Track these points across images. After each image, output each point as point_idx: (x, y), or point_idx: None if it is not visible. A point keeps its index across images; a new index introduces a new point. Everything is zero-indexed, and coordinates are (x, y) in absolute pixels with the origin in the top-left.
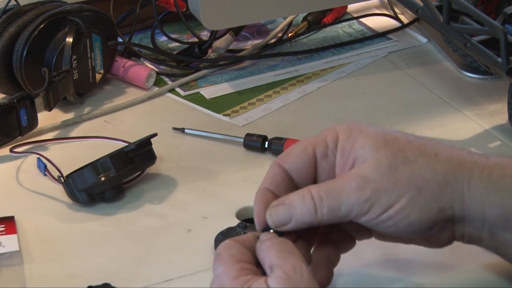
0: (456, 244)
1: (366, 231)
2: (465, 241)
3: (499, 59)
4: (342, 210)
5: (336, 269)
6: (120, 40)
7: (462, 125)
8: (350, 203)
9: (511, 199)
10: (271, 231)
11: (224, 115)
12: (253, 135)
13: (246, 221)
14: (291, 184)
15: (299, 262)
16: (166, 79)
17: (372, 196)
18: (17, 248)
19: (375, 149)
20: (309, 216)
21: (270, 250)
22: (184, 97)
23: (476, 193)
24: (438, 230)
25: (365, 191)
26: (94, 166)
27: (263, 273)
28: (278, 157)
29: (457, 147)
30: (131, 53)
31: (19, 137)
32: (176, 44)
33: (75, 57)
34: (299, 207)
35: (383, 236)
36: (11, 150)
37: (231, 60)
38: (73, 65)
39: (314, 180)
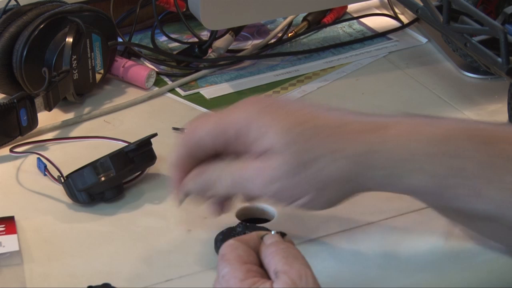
0: (456, 244)
1: None
2: None
3: (499, 59)
4: (251, 196)
5: (336, 269)
6: (120, 40)
7: None
8: (257, 194)
9: (407, 179)
10: (273, 232)
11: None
12: None
13: (246, 221)
14: (199, 160)
15: (304, 269)
16: (166, 79)
17: (276, 193)
18: (17, 248)
19: (279, 150)
20: (223, 195)
21: (275, 255)
22: (184, 97)
23: (378, 179)
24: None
25: (269, 188)
26: (94, 166)
27: (268, 276)
28: (187, 131)
29: (365, 130)
30: (131, 53)
31: (19, 137)
32: (176, 44)
33: (75, 57)
34: (214, 186)
35: None
36: (11, 150)
37: (231, 60)
38: (73, 65)
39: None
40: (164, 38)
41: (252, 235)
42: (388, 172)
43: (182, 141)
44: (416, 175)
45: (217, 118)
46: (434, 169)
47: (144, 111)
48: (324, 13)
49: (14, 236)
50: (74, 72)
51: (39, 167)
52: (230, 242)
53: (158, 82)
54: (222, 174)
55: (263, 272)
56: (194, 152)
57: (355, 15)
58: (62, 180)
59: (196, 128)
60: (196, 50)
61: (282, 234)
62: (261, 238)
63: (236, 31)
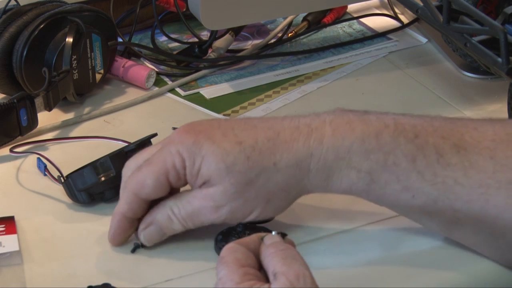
0: (456, 245)
1: None
2: None
3: (499, 59)
4: (206, 224)
5: (336, 269)
6: (120, 40)
7: None
8: (211, 221)
9: (342, 178)
10: (274, 233)
11: (224, 115)
12: None
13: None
14: (147, 205)
15: (302, 270)
16: (166, 79)
17: (228, 215)
18: (17, 248)
19: (219, 177)
20: (181, 231)
21: (274, 257)
22: (184, 97)
23: (316, 182)
24: None
25: (219, 213)
26: (94, 166)
27: (266, 278)
28: (131, 186)
29: (295, 138)
30: (131, 53)
31: (19, 137)
32: (176, 44)
33: (75, 57)
34: (169, 227)
35: None
36: (11, 150)
37: (231, 60)
38: (73, 65)
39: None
40: (164, 38)
41: (253, 237)
42: (324, 174)
43: (126, 199)
44: (346, 174)
45: (153, 166)
46: (361, 166)
47: (144, 111)
48: (324, 13)
49: (14, 236)
50: (74, 72)
51: (39, 167)
52: (230, 245)
53: (158, 82)
54: (172, 215)
55: (261, 275)
56: (140, 206)
57: (355, 15)
58: (62, 180)
59: (139, 172)
60: (196, 50)
61: (283, 235)
62: (262, 239)
63: (236, 31)
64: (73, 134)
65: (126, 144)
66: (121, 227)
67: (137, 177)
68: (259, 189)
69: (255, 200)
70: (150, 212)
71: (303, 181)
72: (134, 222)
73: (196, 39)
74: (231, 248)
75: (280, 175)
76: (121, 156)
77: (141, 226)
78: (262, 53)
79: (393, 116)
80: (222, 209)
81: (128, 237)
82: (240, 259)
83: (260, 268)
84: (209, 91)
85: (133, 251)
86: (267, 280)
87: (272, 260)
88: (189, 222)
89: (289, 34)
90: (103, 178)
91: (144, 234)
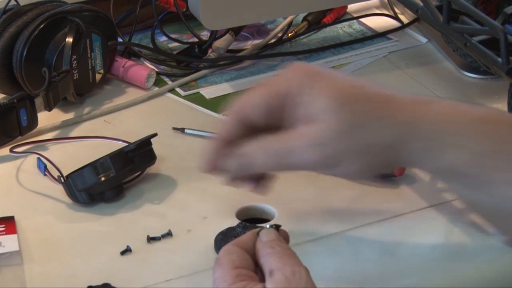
0: (456, 244)
1: None
2: None
3: (499, 59)
4: (295, 167)
5: (336, 269)
6: (120, 40)
7: None
8: (303, 164)
9: (447, 154)
10: (267, 226)
11: (224, 115)
12: None
13: (246, 221)
14: (245, 130)
15: (298, 266)
16: (166, 79)
17: (322, 159)
18: (17, 248)
19: (331, 112)
20: (267, 169)
21: (271, 256)
22: (184, 97)
23: (416, 152)
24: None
25: (316, 154)
26: (94, 166)
27: (261, 279)
28: (240, 105)
29: (411, 103)
30: (131, 53)
31: (19, 137)
32: (176, 44)
33: (75, 57)
34: (256, 161)
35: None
36: (11, 150)
37: (231, 60)
38: (73, 65)
39: (270, 122)
40: (164, 38)
41: (248, 236)
42: (429, 144)
43: (234, 107)
44: (456, 151)
45: (267, 84)
46: (475, 148)
47: (144, 111)
48: (324, 13)
49: (14, 236)
50: (74, 72)
51: (39, 167)
52: (227, 247)
53: (158, 82)
54: (265, 146)
55: (255, 276)
56: (243, 119)
57: (355, 15)
58: (62, 180)
59: (249, 94)
60: (196, 50)
61: (277, 226)
62: (257, 234)
63: (236, 31)
64: (73, 134)
65: (126, 144)
66: (215, 150)
67: (248, 97)
68: (361, 137)
69: (353, 148)
70: (243, 143)
71: (403, 145)
72: (230, 147)
73: (196, 39)
74: (227, 250)
75: (383, 131)
76: (121, 156)
77: (235, 152)
78: (262, 53)
79: (495, 108)
80: (318, 149)
81: (216, 165)
82: (235, 260)
83: (256, 271)
84: (209, 91)
85: (123, 253)
86: (261, 280)
87: (269, 259)
88: (280, 160)
89: (289, 34)
90: (103, 178)
91: (230, 162)
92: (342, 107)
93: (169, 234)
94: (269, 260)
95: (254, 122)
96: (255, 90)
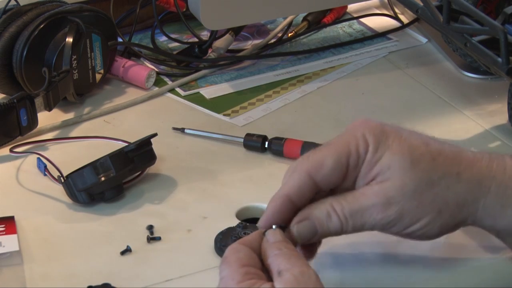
0: (456, 244)
1: None
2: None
3: (499, 59)
4: (364, 227)
5: (336, 269)
6: (120, 40)
7: (462, 125)
8: (373, 223)
9: None
10: (274, 227)
11: (224, 115)
12: (253, 135)
13: (246, 221)
14: (314, 193)
15: (307, 268)
16: (166, 79)
17: (396, 217)
18: (17, 248)
19: (401, 169)
20: (335, 233)
21: (279, 257)
22: (184, 97)
23: (490, 208)
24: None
25: (389, 212)
26: (94, 166)
27: (268, 278)
28: (308, 165)
29: (477, 156)
30: (131, 53)
31: (19, 137)
32: (176, 44)
33: (75, 57)
34: (325, 225)
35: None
36: (11, 150)
37: (231, 60)
38: (73, 65)
39: (337, 185)
40: (164, 38)
41: (254, 236)
42: (502, 201)
43: (301, 165)
44: None
45: (336, 143)
46: None
47: (144, 111)
48: (324, 13)
49: (14, 236)
50: (74, 72)
51: (39, 167)
52: (234, 245)
53: (158, 82)
54: (332, 211)
55: (263, 275)
56: (309, 190)
57: (355, 15)
58: (62, 180)
59: (316, 153)
60: (196, 50)
61: (283, 228)
62: (263, 234)
63: (236, 31)
64: (73, 134)
65: (126, 144)
66: (282, 210)
67: (314, 156)
68: (436, 194)
69: (428, 206)
70: (308, 206)
71: (480, 201)
72: (294, 209)
73: (196, 39)
74: (234, 248)
75: (460, 187)
76: (121, 156)
77: (296, 219)
78: (262, 53)
79: None
80: (392, 207)
81: (281, 222)
82: (242, 259)
83: (263, 270)
84: (209, 91)
85: (123, 253)
86: (268, 279)
87: (277, 259)
88: (350, 221)
89: (289, 34)
90: (103, 178)
91: (297, 227)
92: (415, 165)
93: (156, 238)
94: (277, 261)
95: (320, 182)
96: (322, 149)
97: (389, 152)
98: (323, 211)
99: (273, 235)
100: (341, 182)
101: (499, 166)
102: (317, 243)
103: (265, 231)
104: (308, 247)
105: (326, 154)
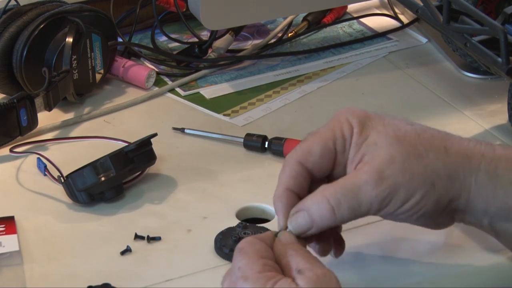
0: (456, 244)
1: None
2: (465, 224)
3: (499, 59)
4: (361, 208)
5: (336, 269)
6: (120, 40)
7: (462, 125)
8: (370, 201)
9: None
10: (288, 229)
11: (224, 115)
12: (253, 135)
13: (246, 221)
14: (311, 181)
15: (328, 270)
16: (166, 79)
17: (391, 192)
18: (17, 248)
19: (387, 145)
20: (328, 220)
21: (296, 256)
22: (184, 97)
23: (481, 186)
24: (443, 217)
25: (383, 186)
26: (94, 166)
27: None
28: (297, 155)
29: (464, 138)
30: (131, 53)
31: (19, 137)
32: (176, 44)
33: (75, 57)
34: (317, 213)
35: (393, 219)
36: (11, 150)
37: (231, 60)
38: (73, 65)
39: (330, 172)
40: (164, 38)
41: (268, 234)
42: (493, 180)
43: (290, 158)
44: None
45: (320, 131)
46: None
47: (144, 111)
48: (324, 13)
49: (14, 236)
50: (74, 72)
51: (39, 167)
52: (249, 238)
53: (158, 82)
54: (328, 191)
55: (279, 269)
56: (305, 179)
57: (355, 15)
58: (62, 180)
59: (303, 143)
60: (196, 50)
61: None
62: (275, 235)
63: (236, 31)
64: (73, 134)
65: (126, 144)
66: (291, 203)
67: (302, 146)
68: (426, 166)
69: (421, 179)
70: (302, 200)
71: (471, 176)
72: (298, 200)
73: (196, 39)
74: (250, 241)
75: (449, 159)
76: (121, 156)
77: (291, 211)
78: (262, 53)
79: None
80: (385, 181)
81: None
82: (260, 251)
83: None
84: (209, 91)
85: (123, 253)
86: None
87: (294, 259)
88: (344, 203)
89: (289, 34)
90: (103, 178)
91: (292, 220)
92: (400, 139)
93: (156, 238)
94: (295, 260)
95: (312, 169)
96: (308, 138)
97: (374, 131)
98: (315, 199)
99: (286, 237)
100: (332, 168)
101: (487, 146)
102: (328, 249)
103: (277, 232)
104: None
105: (313, 142)
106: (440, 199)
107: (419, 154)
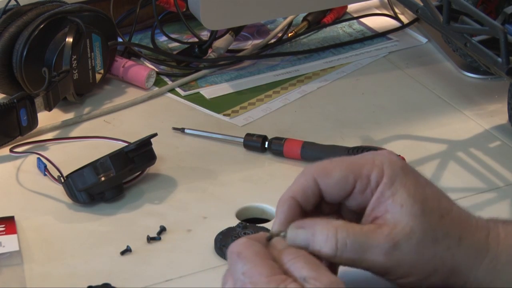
0: None
1: None
2: None
3: (499, 59)
4: (362, 264)
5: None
6: (120, 40)
7: (462, 125)
8: (373, 263)
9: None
10: (282, 234)
11: (224, 115)
12: (253, 135)
13: (246, 221)
14: (319, 199)
15: (334, 277)
16: (166, 79)
17: (394, 265)
18: (17, 248)
19: (412, 215)
20: (325, 253)
21: (297, 261)
22: (184, 97)
23: (480, 280)
24: None
25: (393, 258)
26: (94, 166)
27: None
28: (315, 170)
29: (480, 228)
30: (131, 53)
31: (19, 137)
32: (176, 44)
33: (75, 57)
34: (319, 241)
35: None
36: (11, 150)
37: (231, 60)
38: (73, 65)
39: (342, 201)
40: (164, 38)
41: (261, 235)
42: (493, 274)
43: (308, 170)
44: None
45: (348, 162)
46: None
47: (144, 111)
48: (324, 13)
49: (14, 236)
50: (74, 72)
51: (39, 167)
52: (243, 240)
53: (158, 82)
54: (333, 236)
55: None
56: (313, 194)
57: (355, 15)
58: (62, 180)
59: (327, 163)
60: (196, 50)
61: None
62: (268, 239)
63: (236, 31)
64: (73, 134)
65: (126, 144)
66: (291, 213)
67: (325, 164)
68: (436, 253)
69: (426, 264)
70: (314, 219)
71: (471, 274)
72: (301, 211)
73: (196, 39)
74: (245, 243)
75: (459, 251)
76: (121, 156)
77: (296, 223)
78: (262, 53)
79: None
80: (394, 253)
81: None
82: (261, 252)
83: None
84: (209, 91)
85: (123, 253)
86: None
87: (296, 264)
88: (349, 252)
89: (289, 34)
90: (103, 178)
91: (291, 232)
92: (425, 216)
93: (163, 229)
94: (296, 266)
95: (324, 191)
96: (337, 160)
97: (404, 190)
98: (326, 228)
99: (280, 243)
100: (344, 200)
101: (493, 238)
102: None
103: (270, 236)
104: None
105: (336, 166)
106: (436, 283)
107: (436, 238)
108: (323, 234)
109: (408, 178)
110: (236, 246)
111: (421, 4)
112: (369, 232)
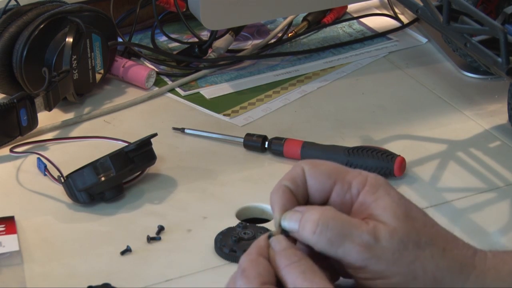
0: None
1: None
2: None
3: (499, 59)
4: (338, 251)
5: None
6: (120, 40)
7: (462, 125)
8: (349, 251)
9: None
10: (281, 234)
11: (224, 115)
12: (253, 135)
13: (246, 221)
14: (306, 188)
15: (326, 284)
16: (166, 79)
17: (372, 260)
18: (17, 248)
19: (396, 217)
20: (306, 234)
21: (291, 270)
22: (184, 97)
23: None
24: None
25: (369, 250)
26: (94, 166)
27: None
28: (304, 161)
29: (467, 246)
30: (131, 53)
31: (19, 137)
32: (176, 44)
33: (75, 57)
34: (305, 222)
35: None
36: (11, 150)
37: (231, 60)
38: (73, 65)
39: (327, 200)
40: (164, 38)
41: (262, 242)
42: None
43: (299, 162)
44: None
45: (339, 165)
46: None
47: (144, 111)
48: (324, 13)
49: (14, 236)
50: (74, 72)
51: (39, 167)
52: (253, 257)
53: (158, 82)
54: (326, 213)
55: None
56: (302, 183)
57: (355, 15)
58: (62, 180)
59: (318, 160)
60: (196, 50)
61: (286, 234)
62: (268, 237)
63: (236, 31)
64: (73, 134)
65: (126, 144)
66: (285, 197)
67: (315, 159)
68: (418, 258)
69: (406, 267)
70: (307, 205)
71: (458, 284)
72: (295, 199)
73: (196, 39)
74: (254, 260)
75: (443, 262)
76: (121, 156)
77: (291, 211)
78: (262, 53)
79: None
80: (374, 247)
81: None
82: (263, 275)
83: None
84: (209, 91)
85: (123, 253)
86: None
87: (290, 273)
88: (329, 233)
89: (289, 34)
90: (103, 178)
91: (287, 216)
92: (408, 220)
93: (161, 229)
94: (291, 276)
95: (309, 181)
96: (328, 161)
97: (388, 197)
98: (314, 210)
99: (278, 243)
100: (327, 197)
101: (481, 258)
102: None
103: (269, 236)
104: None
105: (325, 164)
106: None
107: (418, 243)
108: (311, 213)
109: (392, 189)
110: (245, 262)
111: (421, 4)
112: (353, 220)
